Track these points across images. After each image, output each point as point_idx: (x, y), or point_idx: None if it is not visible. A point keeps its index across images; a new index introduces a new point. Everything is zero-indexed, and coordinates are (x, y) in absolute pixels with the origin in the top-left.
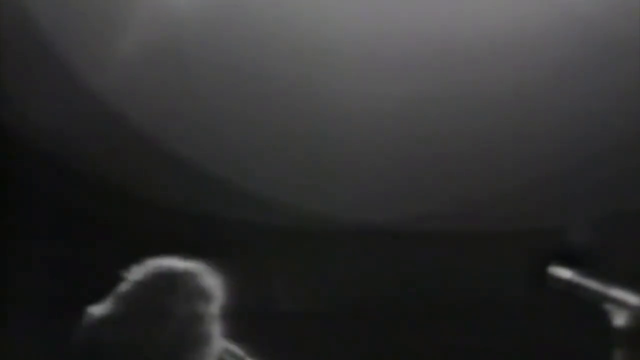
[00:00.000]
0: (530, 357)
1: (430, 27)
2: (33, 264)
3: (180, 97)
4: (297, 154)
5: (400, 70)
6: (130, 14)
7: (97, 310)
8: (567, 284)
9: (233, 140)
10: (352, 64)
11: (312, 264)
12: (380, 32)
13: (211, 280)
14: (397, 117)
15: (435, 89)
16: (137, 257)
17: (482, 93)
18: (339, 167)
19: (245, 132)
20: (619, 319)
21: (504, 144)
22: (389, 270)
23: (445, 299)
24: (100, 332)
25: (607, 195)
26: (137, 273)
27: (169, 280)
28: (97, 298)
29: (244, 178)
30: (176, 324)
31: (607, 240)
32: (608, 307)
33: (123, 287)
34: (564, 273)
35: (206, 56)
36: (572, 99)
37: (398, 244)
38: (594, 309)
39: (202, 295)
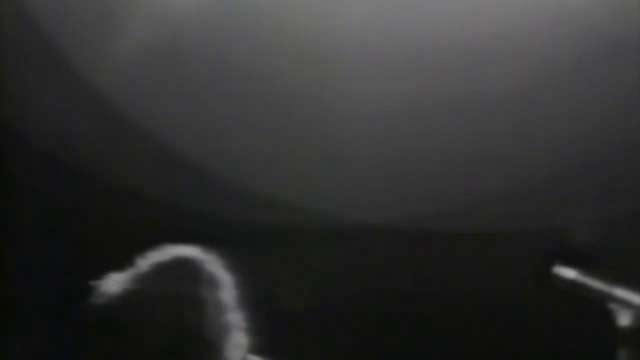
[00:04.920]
0: (534, 357)
1: (430, 27)
2: (31, 263)
3: (182, 97)
4: (297, 153)
5: (401, 70)
6: (130, 13)
7: (114, 287)
8: (572, 283)
9: (233, 139)
10: (352, 63)
11: (312, 263)
12: (381, 32)
13: (227, 269)
14: (398, 117)
15: (436, 89)
16: (138, 254)
17: (483, 93)
18: (339, 166)
19: (246, 131)
20: (624, 319)
21: (506, 144)
22: (389, 269)
23: (448, 299)
24: (124, 310)
25: (611, 195)
26: (156, 258)
27: (192, 267)
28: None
29: (244, 177)
30: (203, 310)
31: (611, 239)
32: (612, 306)
33: (142, 269)
34: (568, 273)
35: (207, 55)
36: (574, 98)
37: (400, 243)
38: (598, 308)
39: (221, 283)
